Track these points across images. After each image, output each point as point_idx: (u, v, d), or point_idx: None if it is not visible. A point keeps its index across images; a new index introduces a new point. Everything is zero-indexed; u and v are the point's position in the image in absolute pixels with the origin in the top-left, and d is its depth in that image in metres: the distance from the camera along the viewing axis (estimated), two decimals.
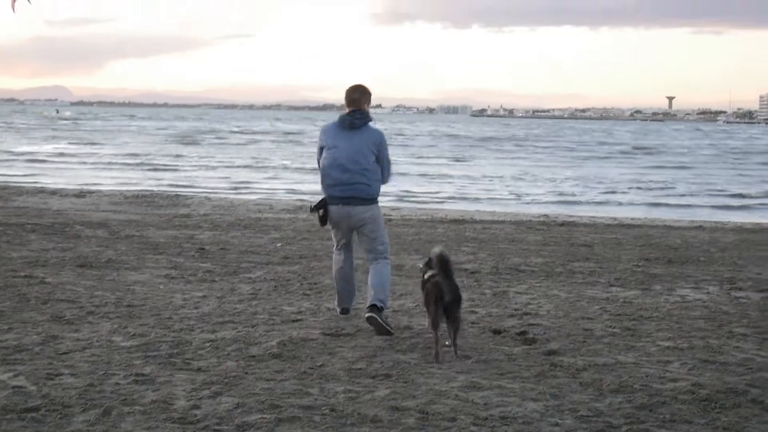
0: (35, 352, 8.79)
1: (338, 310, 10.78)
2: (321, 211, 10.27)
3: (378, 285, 10.14)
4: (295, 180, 40.94)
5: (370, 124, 10.24)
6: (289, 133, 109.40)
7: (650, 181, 45.02)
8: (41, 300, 11.10)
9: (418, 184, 39.77)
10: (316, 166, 10.56)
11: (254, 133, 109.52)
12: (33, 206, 23.30)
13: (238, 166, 49.59)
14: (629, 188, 40.83)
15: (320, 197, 10.37)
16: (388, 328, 9.82)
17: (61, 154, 55.92)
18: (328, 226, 10.50)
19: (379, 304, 9.90)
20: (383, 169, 10.29)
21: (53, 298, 11.25)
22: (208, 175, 42.34)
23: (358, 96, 10.26)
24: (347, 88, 10.34)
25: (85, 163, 49.45)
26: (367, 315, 9.89)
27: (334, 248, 10.67)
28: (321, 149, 10.31)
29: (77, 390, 7.54)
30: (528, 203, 33.06)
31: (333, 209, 10.22)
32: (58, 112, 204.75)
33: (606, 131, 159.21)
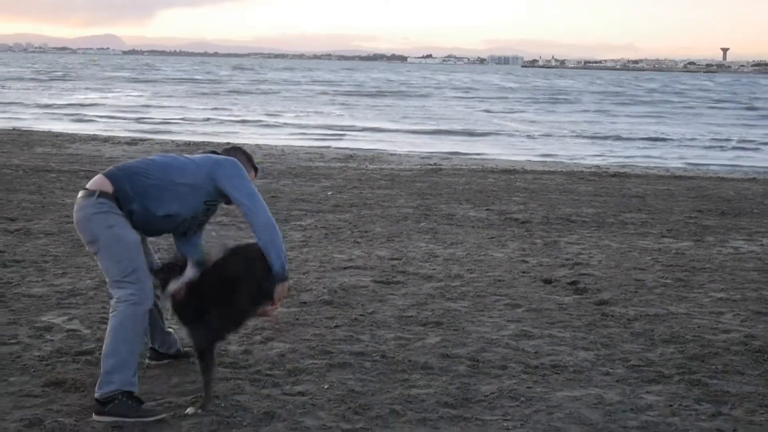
0: (89, 296, 8.89)
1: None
2: None
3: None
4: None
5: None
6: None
7: None
8: None
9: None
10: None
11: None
12: (86, 153, 23.46)
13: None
14: None
15: None
16: None
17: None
18: None
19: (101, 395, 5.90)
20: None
21: None
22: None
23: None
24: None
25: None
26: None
27: None
28: None
29: None
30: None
31: None
32: (96, 62, 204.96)
33: (697, 84, 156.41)
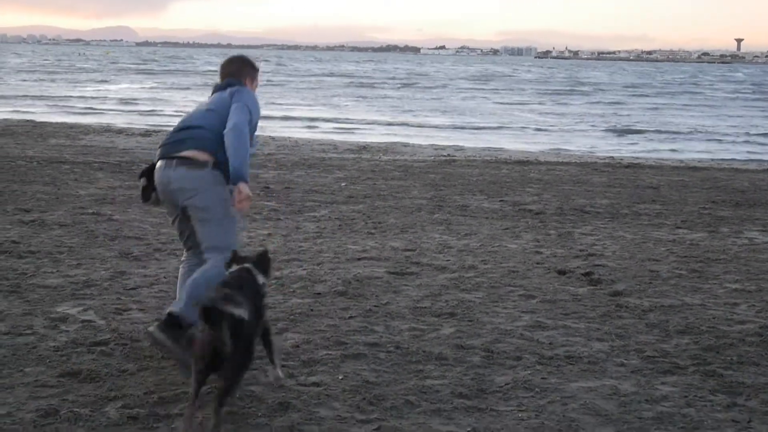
0: (104, 287, 8.91)
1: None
2: (143, 180, 7.18)
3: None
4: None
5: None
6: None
7: None
8: (109, 237, 11.22)
9: None
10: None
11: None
12: (100, 145, 23.49)
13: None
14: None
15: None
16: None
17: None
18: None
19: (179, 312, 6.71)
20: (233, 119, 6.76)
21: (121, 235, 11.37)
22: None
23: (235, 68, 7.34)
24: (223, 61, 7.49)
25: None
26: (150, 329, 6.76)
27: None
28: None
29: (145, 325, 7.61)
30: None
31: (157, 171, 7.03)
32: (108, 54, 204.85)
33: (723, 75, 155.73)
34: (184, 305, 6.64)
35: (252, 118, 6.86)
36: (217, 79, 7.34)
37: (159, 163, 6.93)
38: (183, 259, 7.24)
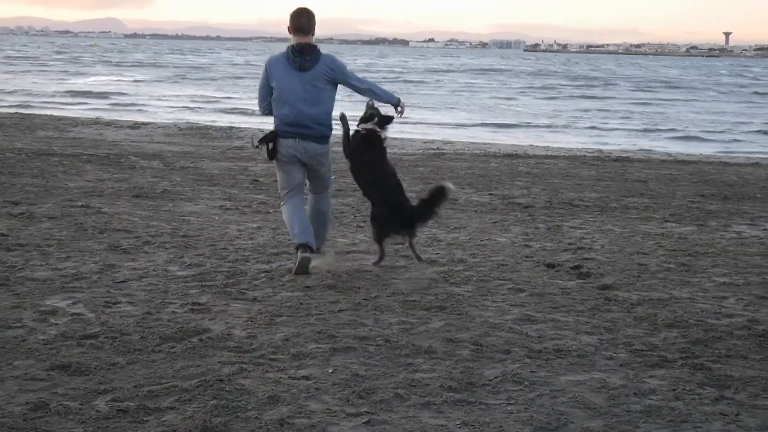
0: (93, 280, 8.90)
1: (301, 250, 9.55)
2: (270, 145, 9.65)
3: (323, 228, 10.16)
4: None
5: (322, 56, 9.61)
6: None
7: None
8: (98, 229, 11.20)
9: None
10: (257, 101, 10.02)
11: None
12: (88, 137, 23.45)
13: None
14: None
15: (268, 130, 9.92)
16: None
17: None
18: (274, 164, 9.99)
19: (316, 244, 9.76)
20: (357, 83, 9.72)
21: (110, 227, 11.36)
22: None
23: (306, 22, 9.62)
24: (293, 11, 9.70)
25: None
26: (302, 255, 9.43)
27: (283, 190, 9.89)
28: (267, 84, 9.70)
29: (135, 318, 7.64)
30: None
31: (286, 143, 9.61)
32: (94, 45, 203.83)
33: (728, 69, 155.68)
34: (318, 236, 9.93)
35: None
36: None
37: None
38: (286, 201, 9.81)
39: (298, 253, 9.43)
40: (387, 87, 10.44)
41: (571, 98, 58.41)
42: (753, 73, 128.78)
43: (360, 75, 10.02)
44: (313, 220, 9.89)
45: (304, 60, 9.50)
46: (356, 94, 9.88)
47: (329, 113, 9.73)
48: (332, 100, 9.70)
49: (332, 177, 10.20)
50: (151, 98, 47.02)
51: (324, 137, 9.68)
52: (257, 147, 9.76)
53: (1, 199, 13.03)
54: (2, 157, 17.86)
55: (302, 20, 9.57)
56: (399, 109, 9.85)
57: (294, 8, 9.72)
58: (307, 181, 9.95)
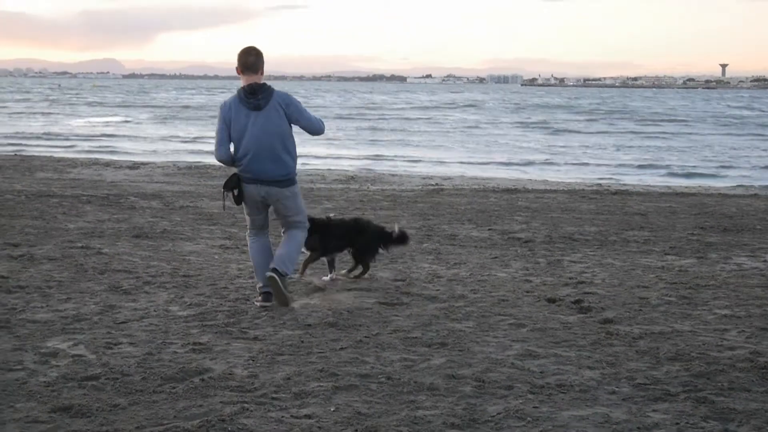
0: (94, 321, 8.89)
1: (262, 292, 9.80)
2: (236, 191, 9.68)
3: (286, 252, 9.77)
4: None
5: (275, 93, 9.53)
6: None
7: None
8: (98, 270, 11.21)
9: None
10: (214, 145, 9.75)
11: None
12: (88, 178, 23.50)
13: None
14: None
15: (231, 173, 9.85)
16: (285, 292, 9.57)
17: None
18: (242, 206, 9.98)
19: (281, 269, 9.53)
20: (308, 123, 9.62)
21: (110, 268, 11.36)
22: None
23: (254, 60, 9.52)
24: (240, 51, 9.59)
25: None
26: (268, 274, 9.52)
27: (249, 228, 10.06)
28: (225, 128, 9.54)
29: (136, 359, 7.62)
30: None
31: (249, 188, 9.63)
32: (60, 86, 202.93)
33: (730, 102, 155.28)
34: (281, 260, 9.64)
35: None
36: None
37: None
38: (254, 238, 10.00)
39: (261, 291, 9.70)
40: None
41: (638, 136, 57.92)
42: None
43: (313, 114, 9.82)
44: (286, 244, 9.84)
45: (257, 100, 9.43)
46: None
47: (290, 152, 9.62)
48: (291, 137, 9.62)
49: (304, 218, 10.05)
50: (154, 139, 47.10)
51: (285, 180, 9.61)
52: (226, 192, 9.79)
53: (1, 241, 13.03)
54: (2, 199, 17.89)
55: (250, 59, 9.49)
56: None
57: (240, 48, 9.67)
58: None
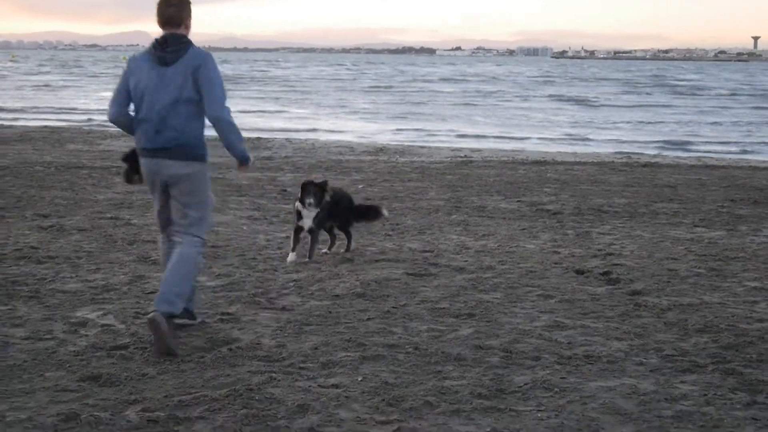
0: (123, 291, 8.94)
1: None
2: (127, 164, 7.78)
3: (174, 283, 7.33)
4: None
5: (191, 50, 7.34)
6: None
7: None
8: (127, 241, 11.26)
9: None
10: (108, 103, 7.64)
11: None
12: (117, 149, 23.54)
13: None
14: None
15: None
16: (168, 341, 7.07)
17: None
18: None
19: (166, 309, 7.17)
20: (210, 100, 7.24)
21: (139, 239, 11.40)
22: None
23: (175, 11, 7.41)
24: (159, 1, 7.46)
25: None
26: (150, 316, 7.19)
27: (159, 227, 7.88)
28: (125, 83, 7.49)
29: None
30: None
31: (142, 162, 7.52)
32: (124, 59, 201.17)
33: None
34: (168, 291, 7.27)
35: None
36: None
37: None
38: (161, 240, 7.86)
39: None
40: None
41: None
42: None
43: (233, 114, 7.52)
44: (172, 269, 7.38)
45: (164, 52, 7.34)
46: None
47: (189, 123, 7.34)
48: (194, 106, 7.31)
49: (208, 213, 7.68)
50: None
51: (176, 149, 7.33)
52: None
53: (31, 212, 13.11)
54: (32, 170, 17.98)
55: (169, 10, 7.41)
56: (242, 167, 7.73)
57: None
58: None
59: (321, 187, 10.47)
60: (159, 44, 7.34)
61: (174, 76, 7.22)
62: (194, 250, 7.41)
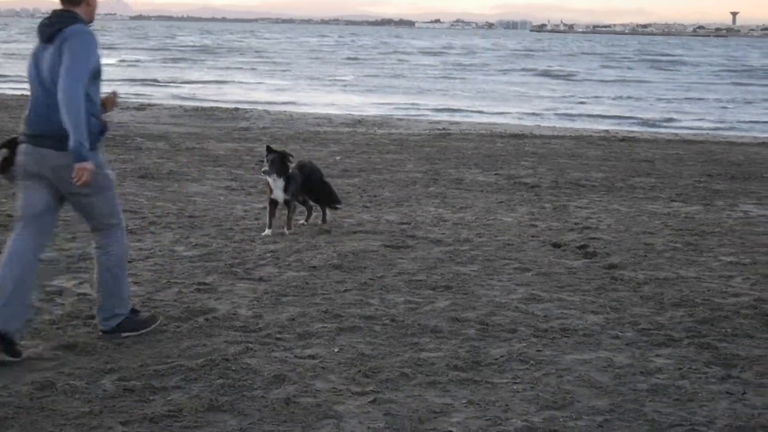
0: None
1: None
2: (4, 150, 7.02)
3: (107, 290, 6.79)
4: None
5: (73, 27, 6.39)
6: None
7: None
8: None
9: None
10: None
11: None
12: None
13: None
14: None
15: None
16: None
17: None
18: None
19: (106, 327, 6.75)
20: (63, 75, 6.31)
21: None
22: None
23: None
24: None
25: None
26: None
27: (17, 219, 6.93)
28: None
29: (140, 298, 7.63)
30: None
31: (21, 149, 6.83)
32: (102, 29, 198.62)
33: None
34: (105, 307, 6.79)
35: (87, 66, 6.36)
36: None
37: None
38: (12, 235, 6.78)
39: None
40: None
41: None
42: None
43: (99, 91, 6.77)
44: (99, 284, 6.82)
45: (48, 27, 6.50)
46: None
47: (67, 105, 6.35)
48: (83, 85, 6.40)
49: (115, 209, 7.16)
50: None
51: (55, 137, 6.51)
52: None
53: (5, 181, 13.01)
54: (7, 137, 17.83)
55: None
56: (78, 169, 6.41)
57: None
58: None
59: (282, 155, 10.40)
60: (46, 19, 6.60)
61: (49, 55, 6.45)
62: (120, 251, 6.91)
